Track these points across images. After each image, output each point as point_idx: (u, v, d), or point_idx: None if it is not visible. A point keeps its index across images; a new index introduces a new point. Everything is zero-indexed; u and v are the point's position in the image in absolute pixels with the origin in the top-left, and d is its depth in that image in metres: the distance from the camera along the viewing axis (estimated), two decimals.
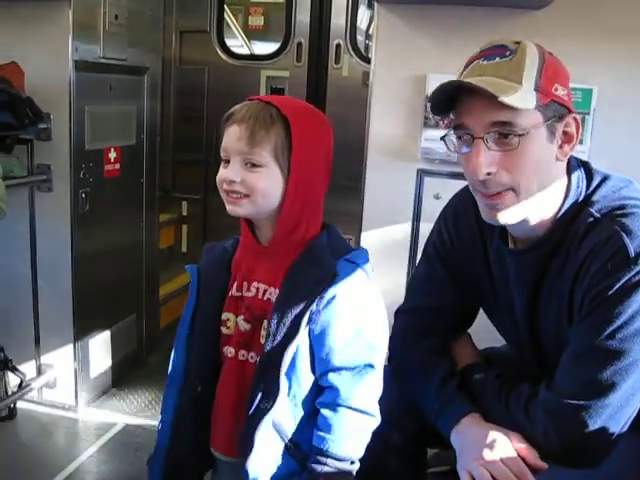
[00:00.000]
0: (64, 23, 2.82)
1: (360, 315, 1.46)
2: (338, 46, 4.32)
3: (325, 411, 1.46)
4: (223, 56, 4.58)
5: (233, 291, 1.55)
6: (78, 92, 2.90)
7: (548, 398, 1.46)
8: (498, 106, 1.35)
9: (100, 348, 3.32)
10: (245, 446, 1.47)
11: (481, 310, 1.82)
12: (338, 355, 1.44)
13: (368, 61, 4.31)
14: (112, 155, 3.20)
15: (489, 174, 1.40)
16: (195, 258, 4.85)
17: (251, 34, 4.87)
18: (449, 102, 1.45)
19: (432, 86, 2.46)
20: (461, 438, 1.54)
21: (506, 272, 1.62)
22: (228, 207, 1.47)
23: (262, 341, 1.48)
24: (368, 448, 1.50)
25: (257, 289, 1.52)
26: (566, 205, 1.50)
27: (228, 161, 1.46)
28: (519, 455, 1.45)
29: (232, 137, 1.44)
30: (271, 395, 1.44)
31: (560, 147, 1.46)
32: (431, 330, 1.75)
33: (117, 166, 3.25)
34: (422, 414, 1.67)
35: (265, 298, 1.50)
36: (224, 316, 1.55)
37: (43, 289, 3.08)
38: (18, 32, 2.86)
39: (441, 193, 2.47)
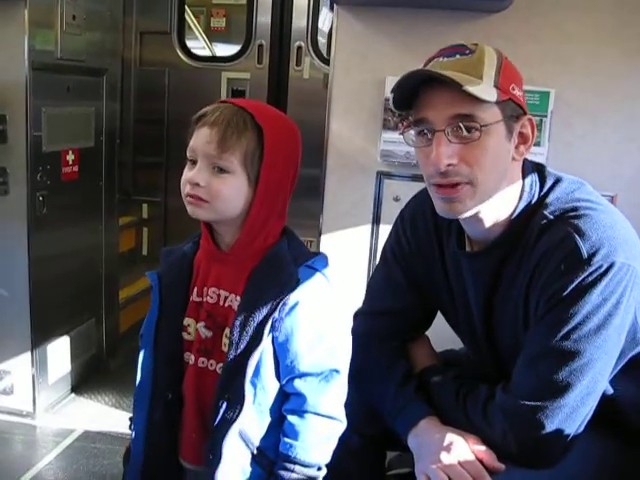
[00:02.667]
0: (19, 23, 2.77)
1: (323, 321, 1.46)
2: (299, 48, 4.32)
3: (292, 417, 1.46)
4: (184, 58, 4.55)
5: (194, 296, 1.53)
6: (35, 93, 2.86)
7: (505, 400, 1.47)
8: (460, 99, 1.38)
9: (59, 353, 3.26)
10: (212, 457, 1.45)
11: (439, 312, 1.83)
12: (303, 361, 1.44)
13: (329, 63, 4.35)
14: (70, 157, 3.16)
15: (449, 165, 1.41)
16: (156, 261, 4.80)
17: (213, 36, 4.85)
18: (410, 97, 1.46)
19: (391, 88, 2.46)
20: (418, 441, 1.55)
21: (462, 276, 1.63)
22: (189, 208, 1.45)
23: (224, 349, 1.47)
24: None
25: (218, 295, 1.50)
26: (520, 207, 1.52)
27: (194, 162, 1.43)
28: (477, 457, 1.45)
29: (202, 139, 1.41)
30: (237, 404, 1.43)
31: (516, 147, 1.48)
32: (389, 333, 1.75)
33: (75, 168, 3.20)
34: (381, 417, 1.67)
35: (226, 305, 1.49)
36: (185, 321, 1.52)
37: None
38: None
39: (400, 195, 2.47)
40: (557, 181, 1.54)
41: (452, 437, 1.49)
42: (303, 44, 4.31)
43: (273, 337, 1.43)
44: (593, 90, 2.38)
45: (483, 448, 1.46)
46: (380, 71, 2.51)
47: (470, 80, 1.38)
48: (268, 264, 1.46)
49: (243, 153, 1.41)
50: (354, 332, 1.65)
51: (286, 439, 1.45)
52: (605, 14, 2.35)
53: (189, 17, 4.68)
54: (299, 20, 4.33)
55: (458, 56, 1.44)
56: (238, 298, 1.47)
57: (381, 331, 1.75)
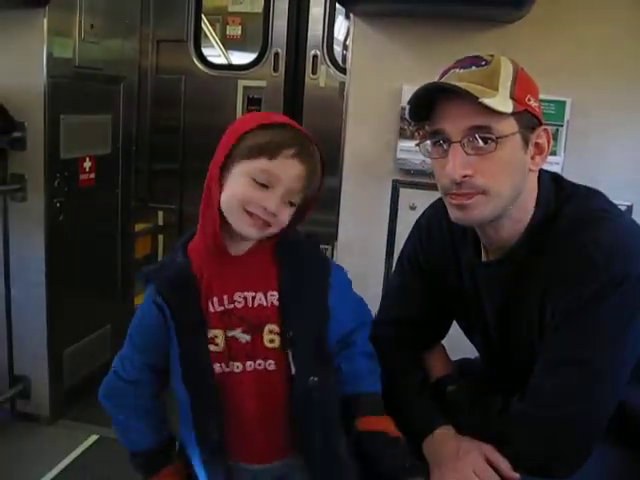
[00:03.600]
0: (39, 31, 2.80)
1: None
2: (315, 57, 4.34)
3: (366, 360, 1.58)
4: (200, 66, 4.58)
5: (215, 306, 1.48)
6: (53, 101, 2.89)
7: (522, 409, 1.46)
8: (476, 111, 1.37)
9: (75, 358, 3.29)
10: (308, 443, 1.50)
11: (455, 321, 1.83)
12: (353, 318, 1.59)
13: (345, 72, 4.36)
14: (87, 164, 3.18)
15: (465, 177, 1.41)
16: None
17: (228, 44, 4.87)
18: (426, 109, 1.46)
19: (407, 97, 2.47)
20: (433, 450, 1.54)
21: (477, 285, 1.63)
22: (244, 228, 1.43)
23: (270, 345, 1.48)
24: None
25: (245, 298, 1.48)
26: (536, 217, 1.51)
27: (264, 185, 1.40)
28: (492, 467, 1.45)
29: (291, 172, 1.40)
30: (323, 384, 1.48)
31: (532, 158, 1.47)
32: (404, 342, 1.75)
33: (92, 175, 3.23)
34: (396, 425, 1.67)
35: (256, 305, 1.48)
36: (211, 333, 1.48)
37: (16, 299, 3.05)
38: None
39: (416, 204, 2.48)
40: (573, 191, 1.53)
41: (467, 446, 1.48)
42: (319, 52, 4.33)
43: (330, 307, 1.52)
44: (609, 99, 2.38)
45: (498, 457, 1.46)
46: (396, 80, 2.53)
47: (485, 92, 1.38)
48: (292, 251, 1.51)
49: (313, 189, 1.47)
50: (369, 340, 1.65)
51: (366, 379, 1.57)
52: (622, 24, 2.35)
53: (205, 25, 4.70)
54: (315, 28, 4.34)
55: (474, 67, 1.44)
56: (271, 294, 1.48)
57: (396, 340, 1.75)
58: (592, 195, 1.54)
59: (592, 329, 1.39)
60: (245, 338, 1.48)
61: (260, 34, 4.47)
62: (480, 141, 1.40)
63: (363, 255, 2.62)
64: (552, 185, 1.54)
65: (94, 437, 3.08)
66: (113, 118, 3.39)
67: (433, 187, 2.44)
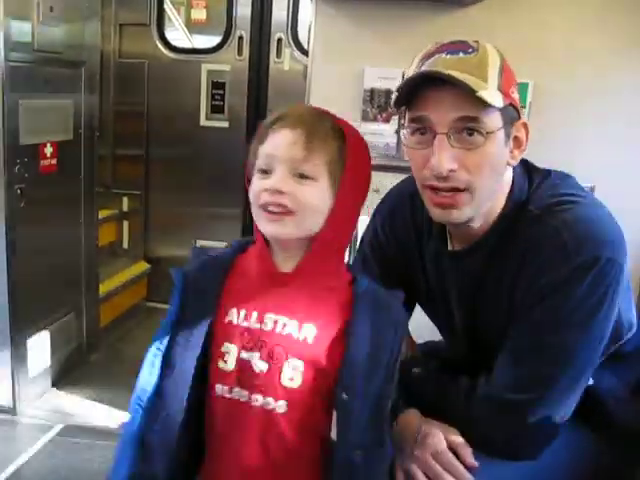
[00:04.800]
0: None
1: None
2: (279, 40, 4.31)
3: None
4: (163, 50, 4.52)
5: (239, 319, 1.27)
6: (11, 85, 2.83)
7: (488, 391, 1.46)
8: (465, 102, 1.33)
9: (38, 347, 3.24)
10: None
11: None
12: None
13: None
14: (48, 150, 3.13)
15: (450, 171, 1.37)
16: (136, 254, 4.78)
17: (193, 28, 4.81)
18: (409, 95, 1.41)
19: (369, 79, 2.47)
20: (399, 435, 1.54)
21: (443, 274, 1.62)
22: (267, 227, 1.25)
23: (286, 384, 1.24)
24: None
25: (275, 322, 1.26)
26: (508, 206, 1.49)
27: (266, 172, 1.24)
28: (452, 450, 1.44)
29: (282, 141, 1.23)
30: (373, 458, 1.28)
31: (511, 152, 1.45)
32: None
33: (54, 162, 3.18)
34: None
35: (285, 333, 1.25)
36: (224, 348, 1.26)
37: None
38: None
39: (379, 187, 2.46)
40: (544, 176, 1.52)
41: (428, 429, 1.47)
42: (283, 36, 4.30)
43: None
44: (572, 81, 2.38)
45: (460, 441, 1.45)
46: (359, 62, 2.50)
47: (478, 84, 1.33)
48: (369, 302, 1.29)
49: (329, 156, 1.24)
50: None
51: None
52: (586, 3, 2.36)
53: (169, 9, 4.64)
54: (279, 12, 4.31)
55: (462, 54, 1.37)
56: (307, 326, 1.25)
57: None
58: (561, 179, 1.53)
59: (562, 313, 1.39)
60: (260, 367, 1.25)
61: (225, 18, 4.43)
62: (468, 135, 1.36)
63: None
64: (524, 174, 1.53)
65: (59, 426, 3.05)
66: (75, 103, 3.34)
67: (396, 170, 2.45)
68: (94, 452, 2.84)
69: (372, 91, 2.47)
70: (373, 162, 2.50)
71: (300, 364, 1.24)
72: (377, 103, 2.47)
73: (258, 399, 1.24)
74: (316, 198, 1.23)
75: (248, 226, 4.49)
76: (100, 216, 3.86)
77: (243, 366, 1.25)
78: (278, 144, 1.24)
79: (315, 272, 1.28)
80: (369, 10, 2.50)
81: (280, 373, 1.24)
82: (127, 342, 4.07)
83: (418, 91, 1.38)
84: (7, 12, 2.76)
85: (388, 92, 2.45)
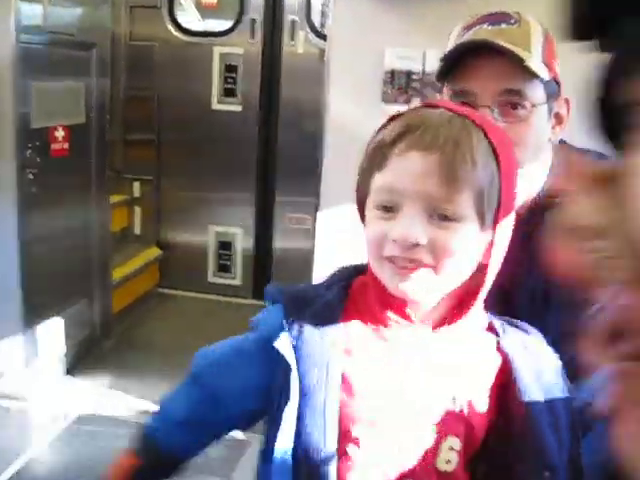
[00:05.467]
0: None
1: None
2: (293, 22, 4.24)
3: None
4: (174, 32, 4.45)
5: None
6: (23, 68, 2.79)
7: None
8: (510, 73, 1.29)
9: (51, 335, 3.21)
10: None
11: None
12: None
13: (323, 37, 4.27)
14: (59, 134, 3.08)
15: None
16: (148, 240, 4.72)
17: (204, 12, 4.73)
18: (454, 66, 1.34)
19: (390, 60, 2.42)
20: None
21: None
22: (395, 282, 0.91)
23: (445, 467, 0.96)
24: None
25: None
26: (547, 184, 1.44)
27: (390, 209, 0.91)
28: None
29: (411, 171, 0.89)
30: None
31: (552, 128, 1.40)
32: None
33: (65, 145, 3.13)
34: None
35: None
36: (448, 442, 0.97)
37: None
38: None
39: None
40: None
41: None
42: (297, 18, 4.22)
43: None
44: None
45: None
46: (379, 43, 2.45)
47: (523, 54, 1.28)
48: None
49: (478, 190, 0.90)
50: None
51: None
52: None
53: None
54: None
55: (504, 25, 1.32)
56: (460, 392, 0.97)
57: None
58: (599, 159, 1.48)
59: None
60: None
61: (236, 2, 4.35)
62: (511, 108, 1.30)
63: (345, 223, 2.55)
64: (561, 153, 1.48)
65: (72, 415, 3.01)
66: (86, 86, 3.28)
67: None
68: (108, 440, 2.80)
69: (392, 72, 2.41)
70: None
71: (456, 442, 0.97)
72: (397, 84, 2.41)
73: None
74: (465, 245, 0.91)
75: (261, 210, 4.45)
76: (111, 201, 3.81)
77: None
78: (405, 175, 0.90)
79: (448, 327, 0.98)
80: None
81: (436, 457, 0.96)
82: (140, 329, 4.04)
83: (460, 63, 1.32)
84: None
85: (409, 73, 2.40)
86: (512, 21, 1.34)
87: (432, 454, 0.95)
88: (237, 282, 4.57)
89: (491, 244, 0.94)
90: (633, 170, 0.41)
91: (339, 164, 2.54)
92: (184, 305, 4.46)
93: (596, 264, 0.47)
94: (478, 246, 0.93)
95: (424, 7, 2.40)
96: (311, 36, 4.24)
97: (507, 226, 0.97)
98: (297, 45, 4.26)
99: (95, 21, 3.33)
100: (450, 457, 0.96)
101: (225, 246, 4.54)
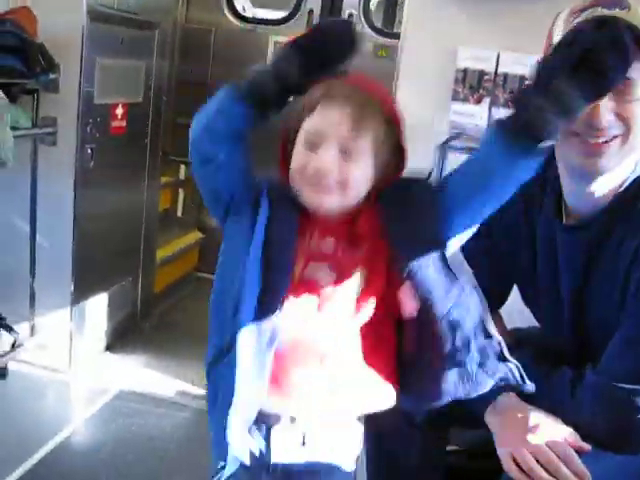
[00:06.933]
0: None
1: None
2: (350, 16, 4.22)
3: None
4: (231, 18, 4.45)
5: (312, 244, 1.32)
6: (90, 44, 2.80)
7: (597, 381, 1.42)
8: None
9: (96, 311, 3.23)
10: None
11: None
12: None
13: (380, 32, 4.26)
14: (119, 111, 3.10)
15: (609, 121, 1.36)
16: (190, 223, 4.72)
17: (258, 1, 4.73)
18: None
19: (462, 59, 2.40)
20: (499, 419, 1.48)
21: (554, 249, 1.57)
22: (312, 197, 1.29)
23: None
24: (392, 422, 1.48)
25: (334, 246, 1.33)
26: (631, 178, 1.46)
27: (313, 145, 1.27)
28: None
29: (330, 118, 1.26)
30: None
31: None
32: None
33: (123, 123, 3.15)
34: None
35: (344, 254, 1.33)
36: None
37: (41, 247, 2.98)
38: None
39: None
40: None
41: (537, 417, 1.43)
42: (355, 12, 4.21)
43: None
44: None
45: (568, 430, 1.41)
46: (451, 41, 2.44)
47: None
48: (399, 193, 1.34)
49: (376, 137, 1.27)
50: None
51: None
52: None
53: None
54: None
55: (617, 9, 1.37)
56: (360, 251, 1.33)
57: None
58: None
59: None
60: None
61: None
62: (622, 89, 1.33)
63: None
64: None
65: (112, 391, 3.03)
66: (147, 65, 3.30)
67: None
68: (146, 418, 2.83)
69: (465, 71, 2.40)
70: (459, 144, 2.46)
71: None
72: (469, 84, 2.39)
73: None
74: (362, 176, 1.28)
75: None
76: None
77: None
78: (327, 121, 1.26)
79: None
80: None
81: None
82: (178, 311, 4.05)
83: None
84: None
85: (481, 73, 2.38)
86: (624, 6, 1.38)
87: None
88: None
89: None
90: None
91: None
92: None
93: None
94: (372, 182, 1.29)
95: (498, 7, 2.39)
96: (368, 31, 4.22)
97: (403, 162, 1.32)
98: None
99: (159, 3, 3.35)
100: None
101: None
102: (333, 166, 1.25)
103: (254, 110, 1.28)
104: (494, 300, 1.75)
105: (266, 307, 1.27)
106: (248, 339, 1.27)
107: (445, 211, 1.28)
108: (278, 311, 1.27)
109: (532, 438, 1.40)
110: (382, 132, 1.28)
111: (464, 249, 1.71)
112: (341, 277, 1.32)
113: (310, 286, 1.32)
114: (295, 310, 1.30)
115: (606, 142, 1.38)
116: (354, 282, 1.31)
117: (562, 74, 1.15)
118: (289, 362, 1.31)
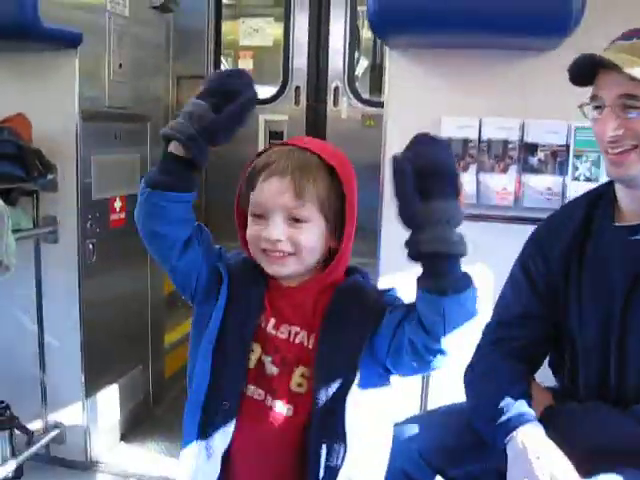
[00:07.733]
0: (71, 72, 2.79)
1: None
2: (336, 89, 4.33)
3: None
4: None
5: (269, 327, 1.40)
6: (84, 142, 2.87)
7: None
8: (627, 80, 1.49)
9: (108, 402, 3.23)
10: None
11: None
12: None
13: (367, 103, 4.36)
14: (117, 204, 3.16)
15: (615, 137, 1.55)
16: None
17: None
18: (589, 76, 1.60)
19: (447, 128, 2.46)
20: (517, 445, 1.52)
21: (606, 260, 1.65)
22: (270, 268, 1.37)
23: (296, 389, 1.37)
24: None
25: (289, 332, 1.39)
26: None
27: (261, 216, 1.35)
28: None
29: (272, 191, 1.32)
30: (339, 449, 1.34)
31: None
32: (512, 345, 1.76)
33: (122, 215, 3.20)
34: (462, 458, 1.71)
35: (297, 342, 1.39)
36: (253, 346, 1.39)
37: (50, 344, 3.00)
38: (24, 82, 2.83)
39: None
40: None
41: (552, 453, 1.48)
42: (340, 84, 4.32)
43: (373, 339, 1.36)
44: None
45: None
46: (435, 111, 2.49)
47: (632, 62, 1.48)
48: (348, 293, 1.40)
49: (320, 198, 1.33)
50: (478, 345, 1.75)
51: None
52: None
53: (224, 61, 4.70)
54: (335, 61, 4.34)
55: (635, 40, 1.55)
56: (306, 335, 1.39)
57: (506, 342, 1.76)
58: None
59: None
60: (272, 371, 1.39)
61: (272, 67, 4.48)
62: (629, 108, 1.53)
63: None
64: None
65: (134, 478, 3.02)
66: (141, 157, 3.36)
67: (476, 219, 2.41)
68: None
69: (449, 140, 2.45)
70: None
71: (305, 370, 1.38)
72: (454, 152, 2.45)
73: (269, 400, 1.38)
74: (313, 239, 1.35)
75: None
76: None
77: (261, 368, 1.39)
78: (269, 194, 1.33)
79: (318, 286, 1.42)
80: (443, 59, 2.50)
81: (289, 379, 1.38)
82: None
83: (596, 73, 1.59)
84: (82, 70, 2.81)
85: (466, 141, 2.43)
86: None
87: (288, 377, 1.37)
88: None
89: (344, 235, 1.38)
90: None
91: (398, 233, 2.57)
92: None
93: None
94: (327, 238, 1.37)
95: (474, 76, 2.46)
96: (354, 101, 4.33)
97: (354, 218, 1.38)
98: (341, 110, 4.35)
99: (149, 94, 3.42)
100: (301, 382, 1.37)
101: None
102: (282, 236, 1.33)
103: (174, 189, 1.38)
104: (542, 339, 1.79)
105: (215, 409, 1.38)
106: (189, 457, 1.39)
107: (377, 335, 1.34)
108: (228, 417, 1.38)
109: (540, 469, 1.44)
110: (327, 184, 1.34)
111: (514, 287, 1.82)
112: (284, 373, 1.39)
113: (260, 381, 1.40)
114: (245, 408, 1.39)
115: (622, 153, 1.56)
116: (295, 379, 1.38)
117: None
118: (237, 463, 1.40)
